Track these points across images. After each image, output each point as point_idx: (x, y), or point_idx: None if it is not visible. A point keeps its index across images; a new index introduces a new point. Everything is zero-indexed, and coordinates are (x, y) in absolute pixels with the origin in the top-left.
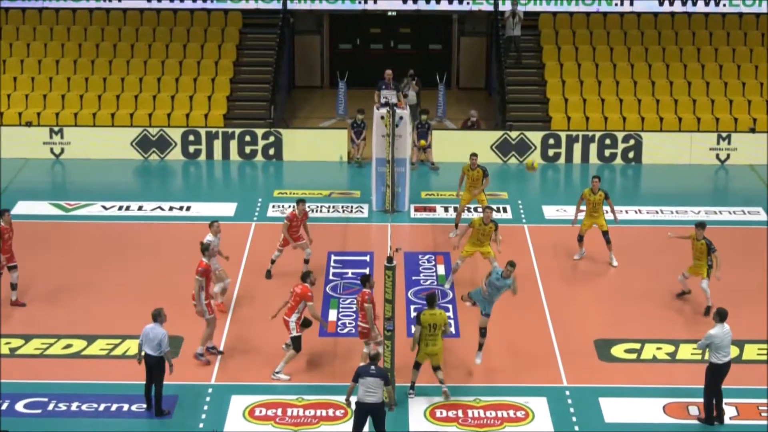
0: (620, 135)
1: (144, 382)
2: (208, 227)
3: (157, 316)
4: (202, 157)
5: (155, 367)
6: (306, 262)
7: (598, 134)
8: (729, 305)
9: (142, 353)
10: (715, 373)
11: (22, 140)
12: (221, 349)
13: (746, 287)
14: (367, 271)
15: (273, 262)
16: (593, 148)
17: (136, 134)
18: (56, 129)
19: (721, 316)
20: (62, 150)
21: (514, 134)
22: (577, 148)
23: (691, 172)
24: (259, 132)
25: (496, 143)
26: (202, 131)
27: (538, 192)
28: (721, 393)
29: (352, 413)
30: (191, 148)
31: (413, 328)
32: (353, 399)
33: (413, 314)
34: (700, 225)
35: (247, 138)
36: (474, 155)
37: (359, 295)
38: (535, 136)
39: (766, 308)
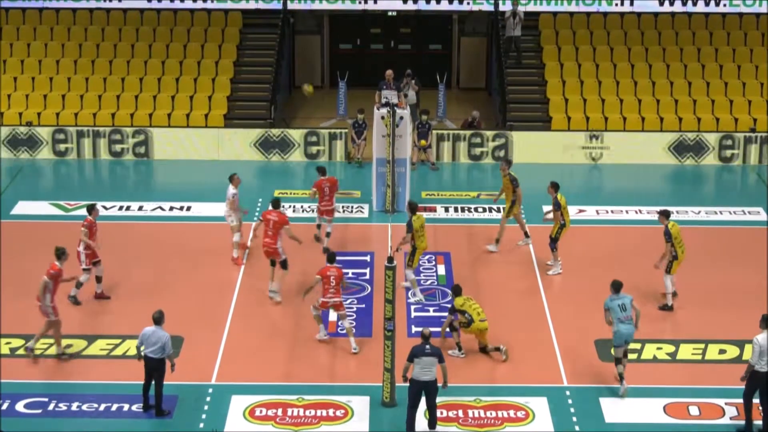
0: (619, 135)
1: (143, 383)
2: (230, 180)
3: (159, 320)
4: (202, 156)
5: (156, 368)
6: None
7: (598, 134)
8: (730, 305)
9: (142, 353)
10: (755, 380)
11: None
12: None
13: (746, 287)
14: (367, 270)
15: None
16: (595, 147)
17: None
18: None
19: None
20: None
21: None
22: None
23: (692, 172)
24: (259, 132)
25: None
26: (202, 131)
27: (538, 192)
28: (752, 402)
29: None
30: (191, 148)
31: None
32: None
33: (414, 314)
34: (661, 213)
35: (247, 138)
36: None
37: (335, 270)
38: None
39: (766, 308)
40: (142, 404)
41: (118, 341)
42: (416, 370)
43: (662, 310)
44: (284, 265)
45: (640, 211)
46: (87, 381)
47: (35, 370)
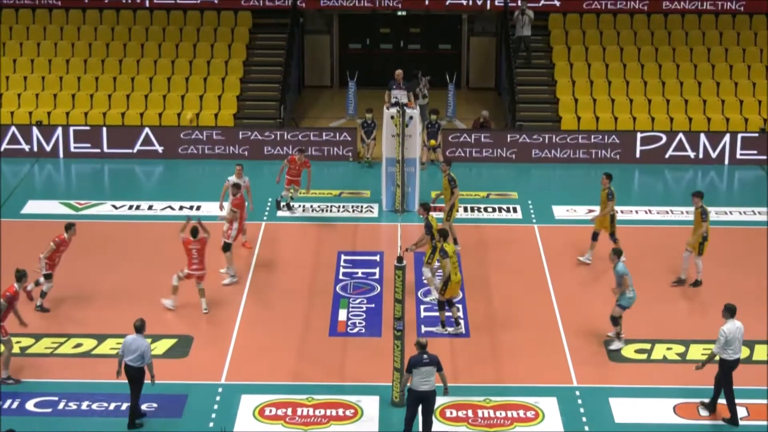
0: (630, 135)
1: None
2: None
3: (140, 328)
4: (213, 156)
5: (135, 377)
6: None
7: (608, 134)
8: (741, 306)
9: (122, 365)
10: (727, 369)
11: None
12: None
13: (757, 288)
14: (376, 270)
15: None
16: (604, 148)
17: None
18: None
19: (731, 311)
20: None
21: None
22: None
23: (701, 172)
24: (269, 132)
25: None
26: (213, 130)
27: (548, 192)
28: (721, 389)
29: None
30: (202, 148)
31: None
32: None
33: (423, 314)
34: (695, 194)
35: (257, 137)
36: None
37: (197, 243)
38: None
39: (767, 309)
40: (155, 404)
41: None
42: (415, 380)
43: (695, 286)
44: (227, 248)
45: (650, 211)
46: (97, 380)
47: (46, 370)
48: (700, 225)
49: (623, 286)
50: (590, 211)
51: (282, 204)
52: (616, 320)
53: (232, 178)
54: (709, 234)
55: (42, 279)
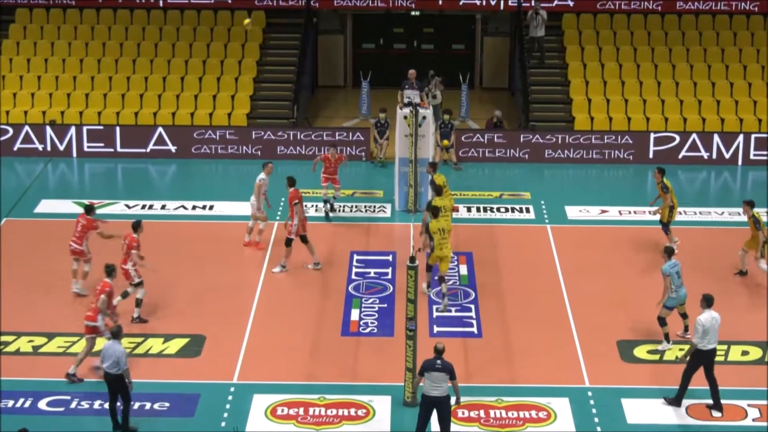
0: (643, 135)
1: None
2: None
3: (117, 333)
4: (226, 155)
5: (116, 384)
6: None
7: (621, 135)
8: (752, 306)
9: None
10: (698, 359)
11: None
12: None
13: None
14: (389, 270)
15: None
16: (616, 148)
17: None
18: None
19: (708, 302)
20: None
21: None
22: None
23: (715, 172)
24: (282, 131)
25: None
26: (226, 130)
27: (561, 192)
28: (715, 381)
29: (418, 406)
30: (215, 147)
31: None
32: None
33: (435, 314)
34: (746, 203)
35: (270, 137)
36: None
37: (83, 219)
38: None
39: (766, 309)
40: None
41: (140, 339)
42: (426, 384)
43: None
44: (288, 243)
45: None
46: None
47: (58, 369)
48: (756, 234)
49: (665, 286)
50: (655, 212)
51: (323, 205)
52: (662, 321)
53: (263, 176)
54: (758, 242)
55: (130, 289)
